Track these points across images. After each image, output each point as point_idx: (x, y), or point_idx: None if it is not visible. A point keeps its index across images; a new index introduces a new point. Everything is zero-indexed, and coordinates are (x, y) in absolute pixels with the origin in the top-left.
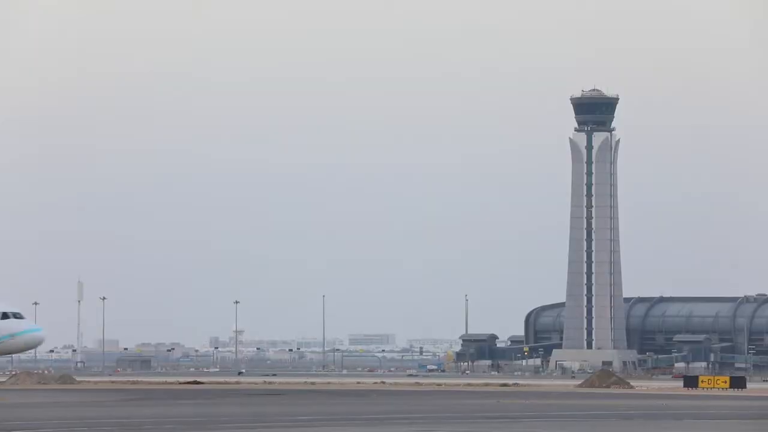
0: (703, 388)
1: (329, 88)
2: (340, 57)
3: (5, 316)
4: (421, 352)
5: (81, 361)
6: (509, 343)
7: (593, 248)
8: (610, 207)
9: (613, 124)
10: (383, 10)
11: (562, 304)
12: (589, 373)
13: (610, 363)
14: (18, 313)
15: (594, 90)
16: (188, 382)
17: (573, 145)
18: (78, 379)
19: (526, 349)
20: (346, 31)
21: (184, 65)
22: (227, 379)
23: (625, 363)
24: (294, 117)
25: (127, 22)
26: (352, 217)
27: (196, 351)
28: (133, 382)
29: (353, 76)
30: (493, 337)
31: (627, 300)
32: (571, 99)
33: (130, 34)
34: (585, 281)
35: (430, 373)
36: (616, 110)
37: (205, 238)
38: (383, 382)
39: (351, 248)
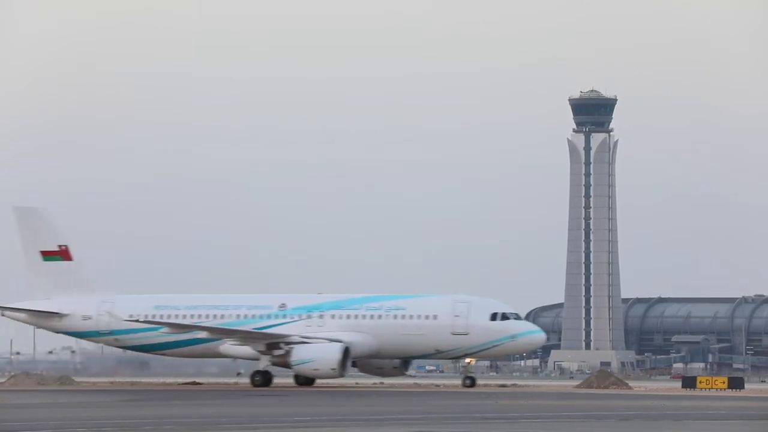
0: (701, 388)
1: (329, 88)
2: (340, 57)
3: (505, 317)
4: None
5: (80, 363)
6: None
7: (591, 249)
8: (609, 208)
9: (612, 125)
10: (383, 11)
11: (560, 305)
12: (587, 373)
13: (608, 363)
14: (517, 314)
15: (592, 91)
16: (187, 383)
17: (571, 145)
18: (77, 380)
19: None
20: (345, 31)
21: (185, 65)
22: (226, 380)
23: (623, 363)
24: (294, 117)
25: (127, 21)
26: (352, 216)
27: None
28: (132, 383)
29: (353, 76)
30: None
31: (625, 301)
32: (569, 100)
33: (129, 34)
34: (583, 282)
35: (428, 374)
36: (615, 111)
37: (204, 238)
38: (382, 383)
39: (350, 248)
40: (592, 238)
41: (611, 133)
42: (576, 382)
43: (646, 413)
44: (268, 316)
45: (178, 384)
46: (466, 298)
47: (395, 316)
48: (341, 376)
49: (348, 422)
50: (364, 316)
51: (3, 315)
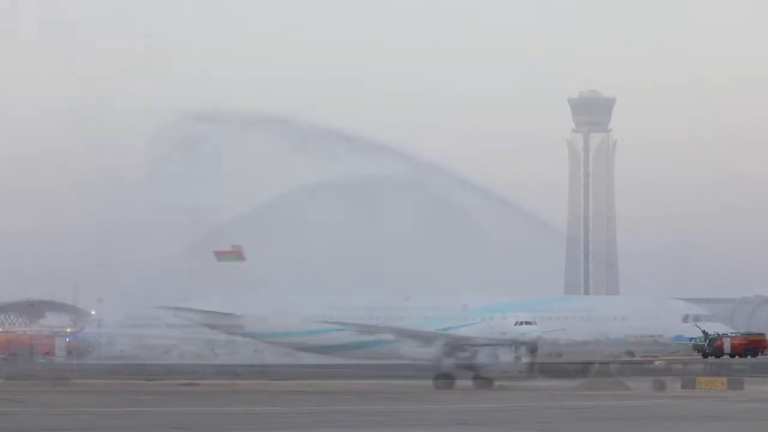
0: (701, 389)
1: (329, 88)
2: (340, 56)
3: (697, 318)
4: None
5: (77, 363)
6: None
7: (590, 249)
8: (607, 208)
9: (610, 125)
10: (383, 11)
11: None
12: None
13: (607, 364)
14: (708, 316)
15: (591, 91)
16: (185, 384)
17: (570, 145)
18: (74, 381)
19: None
20: (345, 30)
21: (184, 65)
22: (224, 381)
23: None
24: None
25: (127, 20)
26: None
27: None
28: (130, 384)
29: (353, 76)
30: None
31: None
32: (568, 100)
33: (129, 33)
34: (582, 282)
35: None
36: (614, 111)
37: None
38: (381, 383)
39: (349, 248)
40: (590, 238)
41: (610, 133)
42: (575, 383)
43: (646, 413)
44: (450, 318)
45: (175, 385)
46: (657, 300)
47: (582, 318)
48: (528, 378)
49: (348, 422)
50: (549, 318)
51: (176, 315)
